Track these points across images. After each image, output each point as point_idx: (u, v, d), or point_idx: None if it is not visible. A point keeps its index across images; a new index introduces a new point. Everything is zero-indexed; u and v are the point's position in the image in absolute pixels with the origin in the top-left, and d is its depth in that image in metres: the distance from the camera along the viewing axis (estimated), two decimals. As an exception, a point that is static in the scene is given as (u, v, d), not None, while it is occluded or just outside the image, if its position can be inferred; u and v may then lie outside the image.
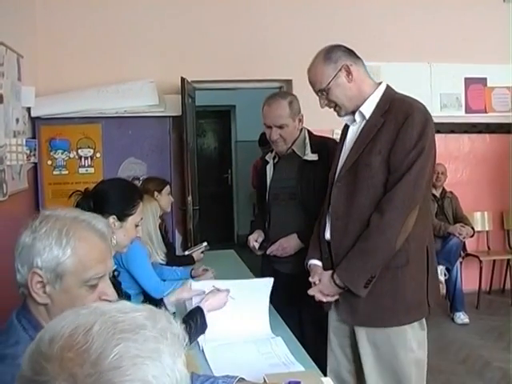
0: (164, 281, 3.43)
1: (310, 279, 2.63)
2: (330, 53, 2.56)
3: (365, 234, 2.44)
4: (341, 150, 2.69)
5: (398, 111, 2.46)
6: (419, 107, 2.49)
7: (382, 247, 2.40)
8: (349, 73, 2.53)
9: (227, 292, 2.57)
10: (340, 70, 2.52)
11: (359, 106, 2.57)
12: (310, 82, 2.65)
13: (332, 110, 2.67)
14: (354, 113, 2.61)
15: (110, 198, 2.47)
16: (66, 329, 0.81)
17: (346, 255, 2.49)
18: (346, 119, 2.69)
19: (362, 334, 2.54)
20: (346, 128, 2.74)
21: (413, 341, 2.50)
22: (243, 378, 1.83)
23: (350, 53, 2.60)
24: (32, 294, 1.41)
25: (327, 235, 2.64)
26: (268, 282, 2.67)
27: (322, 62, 2.55)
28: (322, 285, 2.57)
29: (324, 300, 2.58)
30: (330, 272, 2.55)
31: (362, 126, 2.57)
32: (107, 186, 2.63)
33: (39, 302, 1.42)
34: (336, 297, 2.56)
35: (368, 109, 2.55)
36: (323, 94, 2.58)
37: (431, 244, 2.62)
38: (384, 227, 2.39)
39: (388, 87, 2.62)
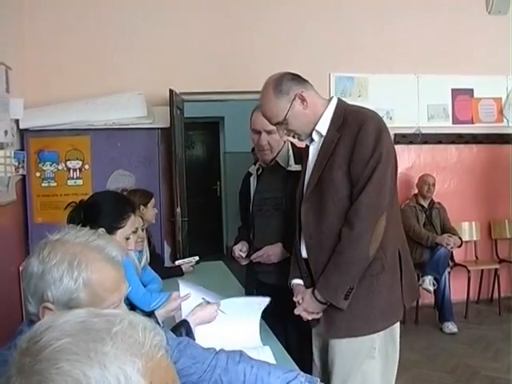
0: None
1: (294, 299, 2.65)
2: (279, 85, 2.52)
3: (338, 248, 2.45)
4: (305, 171, 2.70)
5: (351, 123, 2.47)
6: (372, 116, 2.50)
7: (356, 259, 2.42)
8: (303, 100, 2.52)
9: (217, 305, 2.53)
10: (294, 99, 2.51)
11: (315, 126, 2.58)
12: (266, 117, 2.64)
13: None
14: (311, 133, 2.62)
15: (102, 211, 2.49)
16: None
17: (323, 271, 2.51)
18: (304, 139, 2.69)
19: (332, 347, 2.57)
20: (307, 147, 2.74)
21: (378, 351, 2.52)
22: None
23: (298, 78, 2.59)
24: None
25: (303, 254, 2.65)
26: (263, 301, 2.65)
27: (274, 95, 2.53)
28: (305, 303, 2.58)
29: (309, 318, 2.59)
30: (310, 289, 2.57)
31: (321, 143, 2.58)
32: (99, 198, 2.65)
33: None
34: (321, 314, 2.57)
35: (324, 126, 2.56)
36: (281, 125, 2.57)
37: (404, 246, 2.64)
38: (355, 239, 2.40)
39: (340, 101, 2.63)
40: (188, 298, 2.59)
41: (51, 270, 1.35)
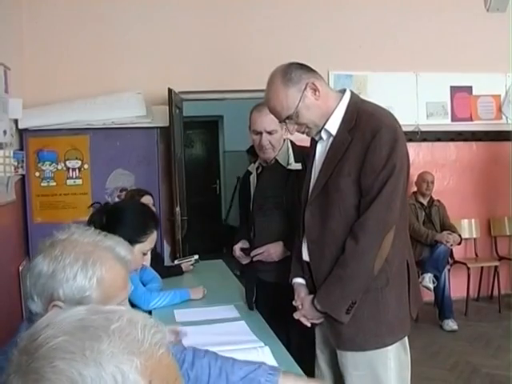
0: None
1: (294, 303, 2.57)
2: (288, 73, 2.35)
3: (341, 261, 2.34)
4: (311, 168, 2.57)
5: (365, 128, 2.31)
6: (387, 123, 2.33)
7: (359, 274, 2.31)
8: (315, 90, 2.36)
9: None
10: (305, 88, 2.34)
11: (325, 125, 2.42)
12: (274, 112, 2.46)
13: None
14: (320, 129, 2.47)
15: (124, 220, 2.40)
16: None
17: (324, 280, 2.40)
18: (314, 135, 2.52)
19: (343, 356, 2.47)
20: (314, 142, 2.58)
21: (393, 360, 2.44)
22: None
23: (306, 67, 2.42)
24: None
25: (305, 256, 2.55)
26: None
27: (283, 86, 2.34)
28: (305, 310, 2.50)
29: (308, 324, 2.52)
30: (311, 297, 2.48)
31: (330, 143, 2.43)
32: (126, 207, 2.59)
33: None
34: (321, 320, 2.49)
35: (334, 125, 2.40)
36: (291, 119, 2.39)
37: (410, 255, 2.54)
38: (359, 254, 2.29)
39: (353, 96, 2.46)
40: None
41: (64, 269, 1.36)
